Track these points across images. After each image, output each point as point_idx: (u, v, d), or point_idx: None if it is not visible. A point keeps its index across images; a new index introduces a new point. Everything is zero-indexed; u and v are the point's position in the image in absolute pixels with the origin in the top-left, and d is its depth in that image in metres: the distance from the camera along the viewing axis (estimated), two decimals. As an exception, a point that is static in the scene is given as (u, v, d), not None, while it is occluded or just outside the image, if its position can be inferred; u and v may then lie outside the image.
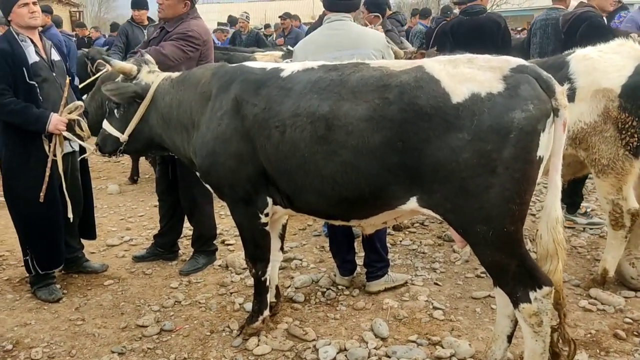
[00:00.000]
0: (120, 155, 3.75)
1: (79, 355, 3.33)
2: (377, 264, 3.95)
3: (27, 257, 4.00)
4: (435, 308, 3.74)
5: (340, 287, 4.09)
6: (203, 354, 3.31)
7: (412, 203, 2.64)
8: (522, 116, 2.37)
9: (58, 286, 4.11)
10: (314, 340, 3.39)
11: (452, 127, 2.42)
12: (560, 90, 2.49)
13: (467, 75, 2.47)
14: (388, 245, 4.24)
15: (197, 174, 3.47)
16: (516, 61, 2.54)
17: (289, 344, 3.35)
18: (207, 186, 3.44)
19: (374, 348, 3.29)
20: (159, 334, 3.53)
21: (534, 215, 5.28)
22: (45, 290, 4.00)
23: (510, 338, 2.95)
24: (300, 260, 4.61)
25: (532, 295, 2.54)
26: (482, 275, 4.20)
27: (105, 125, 3.59)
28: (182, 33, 4.15)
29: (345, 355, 3.22)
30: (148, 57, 3.67)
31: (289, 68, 3.06)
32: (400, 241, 4.92)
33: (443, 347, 3.26)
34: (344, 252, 4.06)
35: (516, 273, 2.53)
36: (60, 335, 3.53)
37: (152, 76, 3.57)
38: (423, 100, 2.46)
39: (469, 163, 2.41)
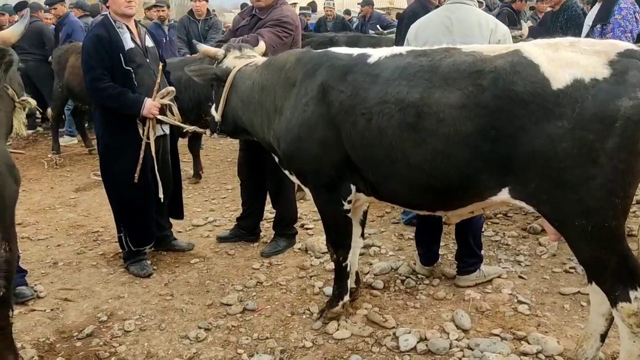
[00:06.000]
0: (222, 135, 3.96)
1: (168, 329, 3.49)
2: (469, 260, 3.85)
3: (121, 234, 4.23)
4: (520, 302, 3.62)
5: (420, 276, 4.04)
6: (284, 335, 3.38)
7: (504, 194, 2.54)
8: (630, 104, 2.21)
9: (149, 262, 4.32)
10: (393, 327, 3.39)
11: (551, 114, 2.30)
12: (673, 78, 2.31)
13: (569, 60, 2.34)
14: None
15: (276, 158, 3.54)
16: (624, 45, 2.37)
17: (369, 330, 3.36)
18: (287, 172, 3.49)
19: (456, 339, 3.24)
20: (242, 313, 3.65)
21: (628, 209, 4.97)
22: (137, 265, 4.23)
23: (603, 337, 2.81)
24: (379, 247, 4.60)
25: (632, 294, 2.40)
26: (571, 270, 4.02)
27: (213, 106, 3.83)
28: (277, 19, 4.24)
29: (426, 345, 3.18)
30: (244, 44, 3.78)
31: (376, 54, 3.02)
32: (483, 232, 4.78)
33: (529, 343, 3.16)
34: (429, 241, 4.00)
35: (616, 270, 2.40)
36: (151, 309, 3.72)
37: (236, 61, 3.67)
38: (520, 87, 2.36)
39: (568, 153, 2.29)
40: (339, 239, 3.39)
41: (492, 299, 3.67)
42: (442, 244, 4.21)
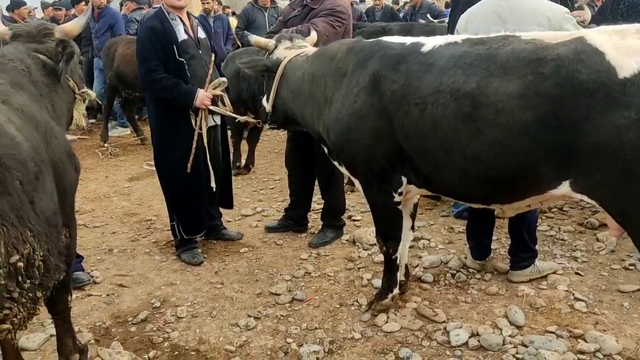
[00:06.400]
0: (273, 126, 4.02)
1: (219, 317, 3.55)
2: (523, 254, 3.74)
3: (174, 223, 4.32)
4: (576, 299, 3.51)
5: (471, 270, 3.96)
6: (333, 326, 3.38)
7: (564, 187, 2.45)
8: (703, 93, 2.10)
9: (200, 250, 4.40)
10: (444, 322, 3.33)
11: (617, 104, 2.20)
12: None
13: (636, 48, 2.23)
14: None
15: (325, 149, 3.53)
16: (697, 31, 2.24)
17: (419, 324, 3.32)
18: (336, 163, 3.48)
19: (509, 336, 3.16)
20: (290, 303, 3.67)
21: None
22: (188, 253, 4.31)
23: (667, 338, 2.69)
24: (428, 240, 4.53)
25: (702, 294, 2.28)
26: (631, 267, 3.87)
27: (264, 97, 3.86)
28: (330, 9, 4.25)
29: (478, 340, 3.12)
30: (296, 35, 3.79)
31: (430, 42, 2.95)
32: (537, 226, 4.63)
33: (586, 342, 3.06)
34: (481, 235, 3.91)
35: (684, 268, 2.28)
36: (202, 297, 3.79)
37: (287, 52, 3.68)
38: (584, 75, 2.27)
39: (635, 144, 2.19)
40: (389, 232, 3.36)
41: (547, 296, 3.56)
42: (494, 237, 4.12)
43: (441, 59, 2.78)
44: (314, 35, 4.04)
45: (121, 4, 10.94)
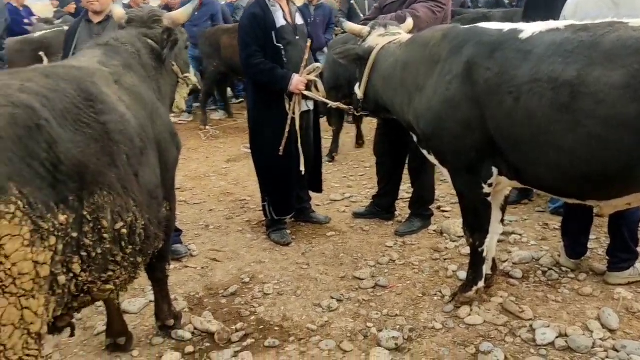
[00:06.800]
0: (364, 113, 4.07)
1: (303, 296, 3.66)
2: (622, 255, 3.53)
3: (265, 203, 4.49)
4: (679, 307, 3.26)
5: (564, 269, 3.79)
6: (414, 314, 3.38)
7: (670, 185, 2.29)
8: None
9: (288, 232, 4.54)
10: (530, 319, 3.23)
11: None
12: None
13: None
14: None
15: (414, 137, 3.50)
16: None
17: (503, 319, 3.24)
18: (425, 152, 3.44)
19: (600, 339, 3.01)
20: (373, 288, 3.70)
21: None
22: (278, 233, 4.47)
23: None
24: (520, 235, 4.37)
25: None
26: None
27: (357, 84, 3.91)
28: None
29: (566, 341, 3.00)
30: (390, 22, 3.79)
31: (529, 29, 2.83)
32: (641, 227, 4.34)
33: (686, 352, 2.84)
34: (577, 232, 3.72)
35: None
36: (288, 276, 3.93)
37: (379, 39, 3.68)
38: (698, 65, 2.09)
39: None
40: (476, 223, 3.29)
41: (647, 301, 3.34)
42: (592, 236, 3.91)
43: (540, 46, 2.67)
44: (409, 22, 4.00)
45: (226, -7, 11.37)
